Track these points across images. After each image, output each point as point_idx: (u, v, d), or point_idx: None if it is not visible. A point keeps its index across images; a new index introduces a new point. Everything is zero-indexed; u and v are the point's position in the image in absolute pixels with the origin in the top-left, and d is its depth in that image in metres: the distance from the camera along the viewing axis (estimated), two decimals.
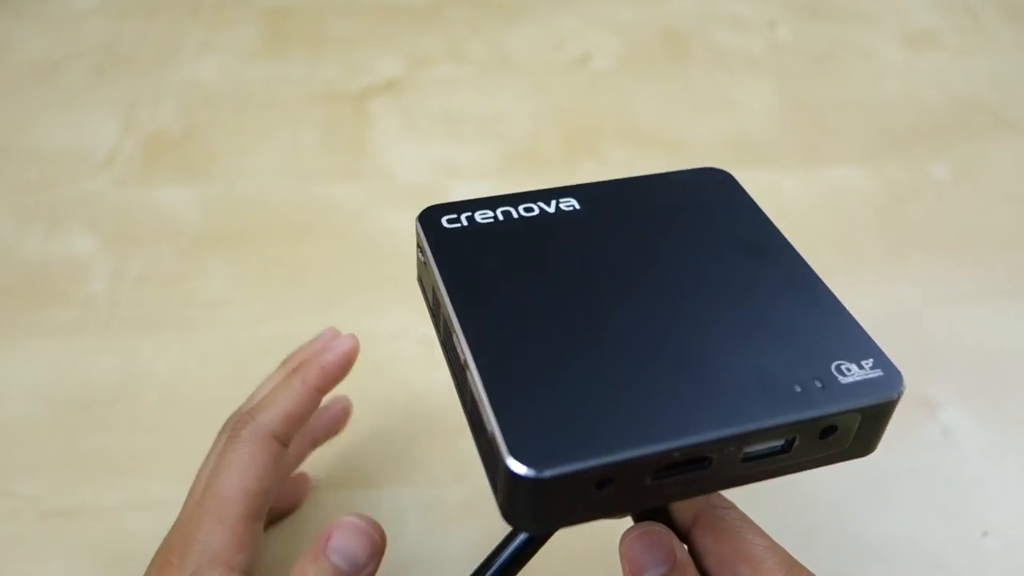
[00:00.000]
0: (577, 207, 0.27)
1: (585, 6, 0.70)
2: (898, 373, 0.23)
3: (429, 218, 0.26)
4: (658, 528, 0.27)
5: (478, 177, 0.56)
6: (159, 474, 0.42)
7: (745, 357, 0.22)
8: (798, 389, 0.22)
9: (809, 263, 0.26)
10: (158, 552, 0.31)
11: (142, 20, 0.69)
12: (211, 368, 0.46)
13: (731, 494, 0.40)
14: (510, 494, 0.21)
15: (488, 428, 0.21)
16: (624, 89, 0.62)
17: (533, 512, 0.21)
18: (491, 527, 0.39)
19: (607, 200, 0.27)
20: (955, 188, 0.55)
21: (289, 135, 0.59)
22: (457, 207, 0.27)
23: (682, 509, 0.27)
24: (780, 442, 0.22)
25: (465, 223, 0.26)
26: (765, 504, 0.40)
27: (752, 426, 0.21)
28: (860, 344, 0.23)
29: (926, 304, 0.48)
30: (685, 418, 0.21)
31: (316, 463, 0.42)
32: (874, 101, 0.61)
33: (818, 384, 0.22)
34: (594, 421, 0.21)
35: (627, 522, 0.27)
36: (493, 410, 0.21)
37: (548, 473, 0.20)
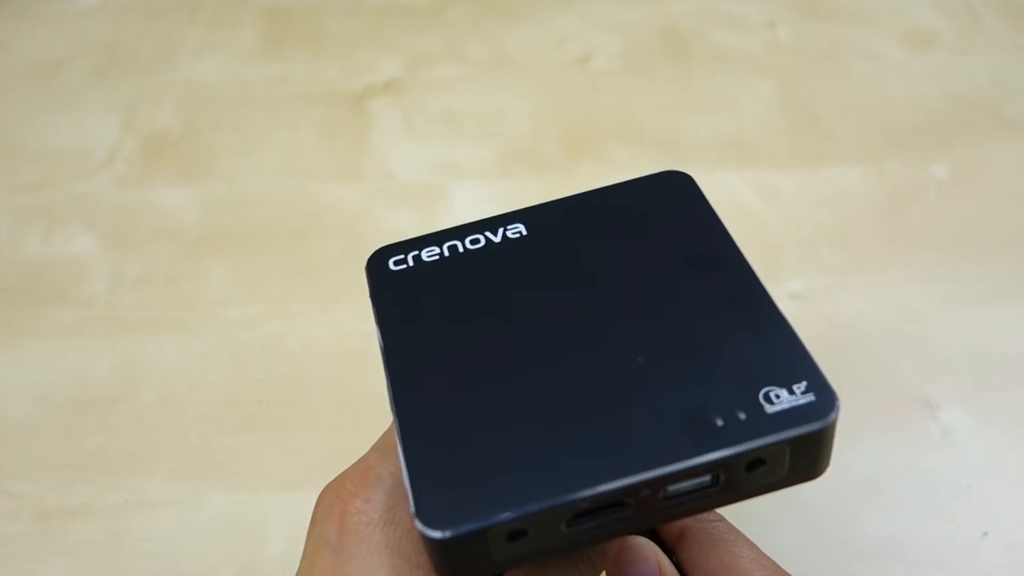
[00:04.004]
0: (524, 233, 0.27)
1: (585, 6, 0.70)
2: (832, 397, 0.21)
3: (377, 262, 0.27)
4: (642, 542, 0.26)
5: (478, 177, 0.56)
6: (159, 474, 0.42)
7: (668, 390, 0.22)
8: (720, 423, 0.21)
9: (757, 273, 0.25)
10: None
11: (142, 20, 0.69)
12: (211, 368, 0.46)
13: None
14: (428, 552, 0.21)
15: (405, 484, 0.21)
16: (624, 89, 0.62)
17: (453, 567, 0.21)
18: None
19: (554, 222, 0.27)
20: (955, 188, 0.55)
21: (289, 135, 0.59)
22: (405, 247, 0.27)
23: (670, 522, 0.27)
24: (706, 478, 0.21)
25: (411, 263, 0.26)
26: (764, 505, 0.40)
27: (662, 471, 0.20)
28: (795, 365, 0.22)
29: (926, 304, 0.48)
30: (593, 465, 0.20)
31: (317, 463, 0.42)
32: (874, 101, 0.61)
33: (742, 416, 0.21)
34: (502, 475, 0.21)
35: None
36: (407, 469, 0.21)
37: (451, 533, 0.20)
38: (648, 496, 0.21)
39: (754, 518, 0.38)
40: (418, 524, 0.20)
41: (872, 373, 0.45)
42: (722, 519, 0.27)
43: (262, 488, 0.41)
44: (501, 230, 0.27)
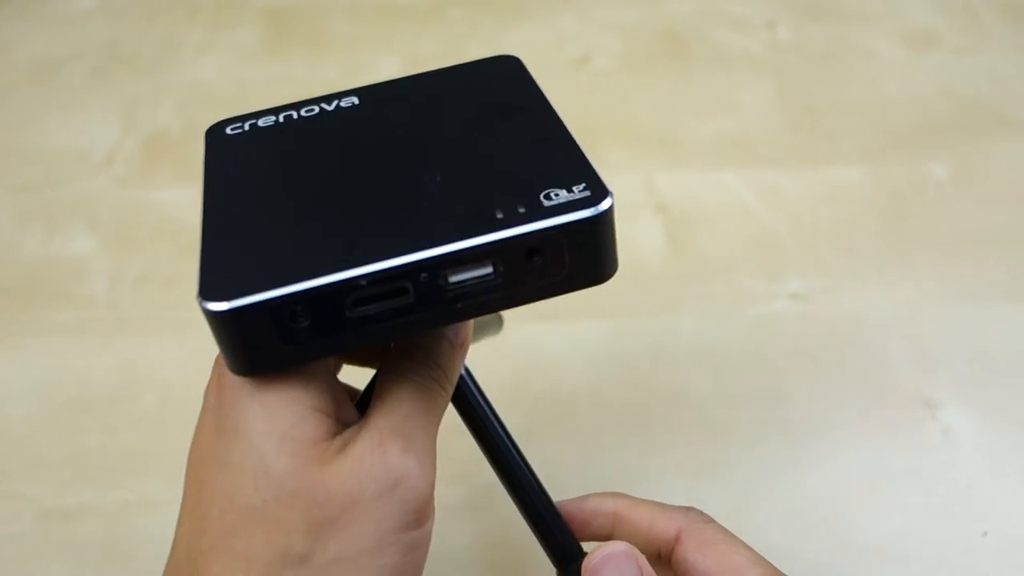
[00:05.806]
0: (356, 103, 0.28)
1: (585, 6, 0.70)
2: (604, 191, 0.22)
3: (215, 130, 0.28)
4: (625, 548, 0.26)
5: None
6: (159, 474, 0.42)
7: (456, 195, 0.23)
8: (499, 215, 0.22)
9: (561, 116, 0.26)
10: None
11: (142, 20, 0.69)
12: (211, 368, 0.46)
13: (730, 501, 0.40)
14: (216, 336, 0.22)
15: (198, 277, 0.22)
16: (624, 89, 0.62)
17: (243, 351, 0.22)
18: (490, 527, 0.39)
19: (386, 95, 0.28)
20: (955, 188, 0.55)
21: None
22: (243, 117, 0.28)
23: (665, 525, 0.28)
24: (488, 269, 0.22)
25: (247, 128, 0.27)
26: (765, 504, 0.40)
27: (436, 251, 0.21)
28: (577, 173, 0.23)
29: (926, 304, 0.48)
30: (370, 247, 0.21)
31: None
32: (874, 101, 0.61)
33: (521, 209, 0.22)
34: (285, 262, 0.22)
35: (589, 546, 0.27)
36: (200, 262, 0.22)
37: (229, 306, 0.21)
38: (428, 282, 0.22)
39: (755, 517, 0.38)
40: (200, 302, 0.21)
41: (872, 373, 0.45)
42: (713, 521, 0.28)
43: None
44: (336, 101, 0.28)
